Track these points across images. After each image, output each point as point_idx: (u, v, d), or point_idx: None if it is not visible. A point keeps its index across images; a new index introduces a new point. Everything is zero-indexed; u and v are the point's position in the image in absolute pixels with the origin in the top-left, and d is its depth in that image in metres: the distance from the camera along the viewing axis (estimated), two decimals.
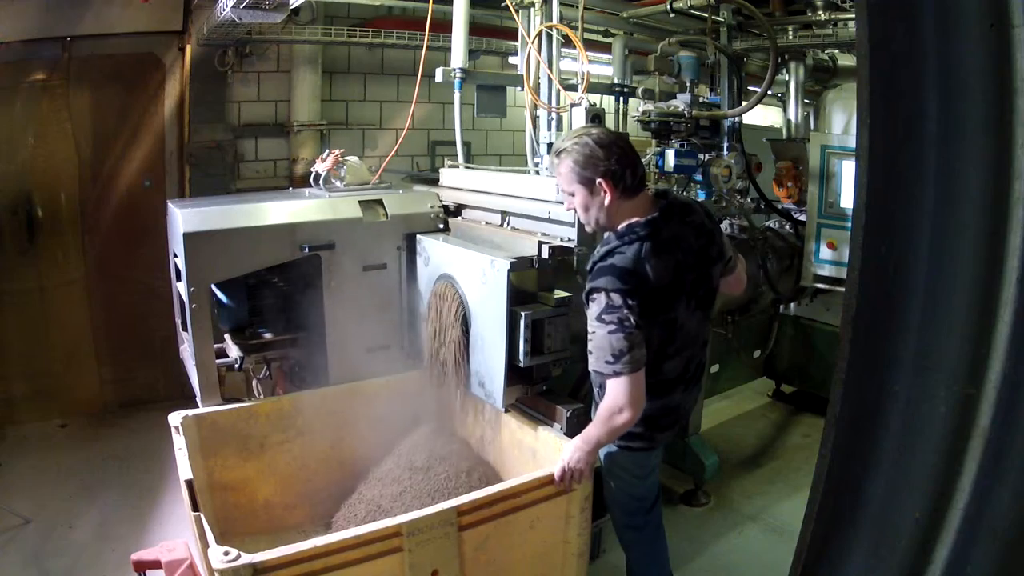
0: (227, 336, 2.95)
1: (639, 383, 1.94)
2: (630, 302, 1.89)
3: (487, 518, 1.98)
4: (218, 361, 2.71)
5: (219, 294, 2.85)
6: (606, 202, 1.99)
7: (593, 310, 1.94)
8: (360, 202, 2.93)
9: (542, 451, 2.43)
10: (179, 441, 2.32)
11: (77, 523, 3.28)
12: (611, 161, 1.95)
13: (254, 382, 2.93)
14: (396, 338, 2.99)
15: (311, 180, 3.24)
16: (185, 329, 2.82)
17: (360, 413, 2.75)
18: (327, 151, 3.21)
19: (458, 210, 3.16)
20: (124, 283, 4.53)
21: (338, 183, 3.15)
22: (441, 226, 3.06)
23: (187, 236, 2.52)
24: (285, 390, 2.97)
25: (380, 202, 2.96)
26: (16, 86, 4.16)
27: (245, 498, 2.62)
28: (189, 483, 2.07)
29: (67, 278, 4.44)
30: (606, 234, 2.08)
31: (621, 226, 2.01)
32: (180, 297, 2.79)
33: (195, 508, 1.97)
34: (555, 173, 2.10)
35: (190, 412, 2.48)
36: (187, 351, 2.91)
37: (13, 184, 4.22)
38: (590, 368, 2.01)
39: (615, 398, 1.95)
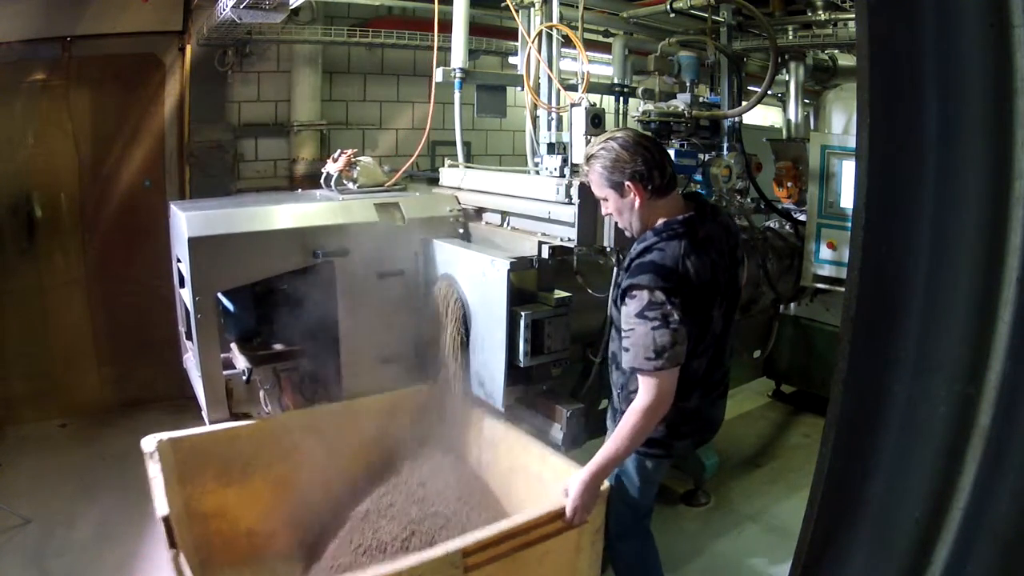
0: (233, 345, 2.79)
1: (675, 378, 1.92)
2: (673, 299, 1.88)
3: (494, 557, 1.85)
4: (224, 372, 2.57)
5: (225, 302, 2.71)
6: (636, 204, 2.00)
7: (632, 307, 1.91)
8: (376, 205, 2.76)
9: (549, 477, 2.26)
10: (154, 469, 2.11)
11: (77, 523, 3.28)
12: (636, 162, 1.96)
13: (261, 394, 2.80)
14: (413, 348, 2.84)
15: (321, 181, 3.08)
16: (189, 338, 2.69)
17: (350, 433, 2.60)
18: (339, 151, 3.05)
19: (477, 213, 3.06)
20: (124, 283, 4.53)
21: (351, 184, 2.99)
22: (461, 231, 2.91)
23: (192, 241, 2.38)
24: (295, 403, 2.81)
25: (397, 205, 2.80)
26: (16, 86, 4.16)
27: (227, 525, 2.42)
28: (166, 519, 1.86)
29: (67, 278, 4.44)
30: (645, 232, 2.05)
31: (658, 223, 2.01)
32: (184, 304, 2.66)
33: (172, 544, 1.82)
34: (587, 181, 2.12)
35: (165, 435, 2.29)
36: (191, 361, 2.78)
37: (13, 184, 4.22)
38: (625, 366, 1.96)
39: (655, 394, 1.90)
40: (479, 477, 2.56)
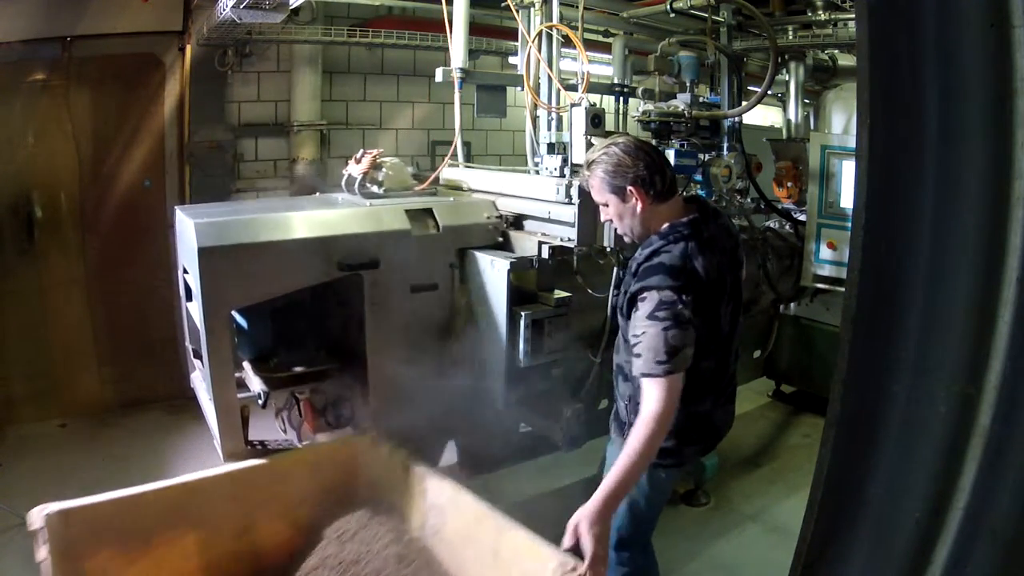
0: (247, 364, 2.49)
1: (681, 383, 1.84)
2: (684, 298, 1.85)
3: None
4: (238, 395, 2.32)
5: (239, 318, 2.47)
6: (638, 209, 1.99)
7: (643, 310, 1.87)
8: (407, 211, 2.51)
9: (507, 554, 1.92)
10: (42, 551, 1.84)
11: None
12: (639, 167, 1.96)
13: (277, 419, 2.57)
14: (447, 369, 2.60)
15: (342, 184, 2.80)
16: (198, 357, 2.49)
17: (270, 496, 2.24)
18: (362, 151, 2.78)
19: (518, 221, 2.84)
20: (124, 283, 4.53)
21: (375, 188, 2.70)
22: (500, 239, 2.69)
23: (203, 252, 2.11)
24: (316, 429, 2.52)
25: (430, 211, 2.55)
26: (16, 86, 4.17)
27: None
28: None
29: (67, 278, 4.44)
30: (650, 237, 2.03)
31: (663, 227, 2.01)
32: (191, 320, 2.45)
33: None
34: (588, 186, 2.10)
35: (54, 507, 1.96)
36: (200, 382, 2.57)
37: (13, 184, 4.22)
38: (636, 373, 1.88)
39: (665, 399, 1.79)
40: (424, 547, 2.16)
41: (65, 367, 4.44)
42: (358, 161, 2.74)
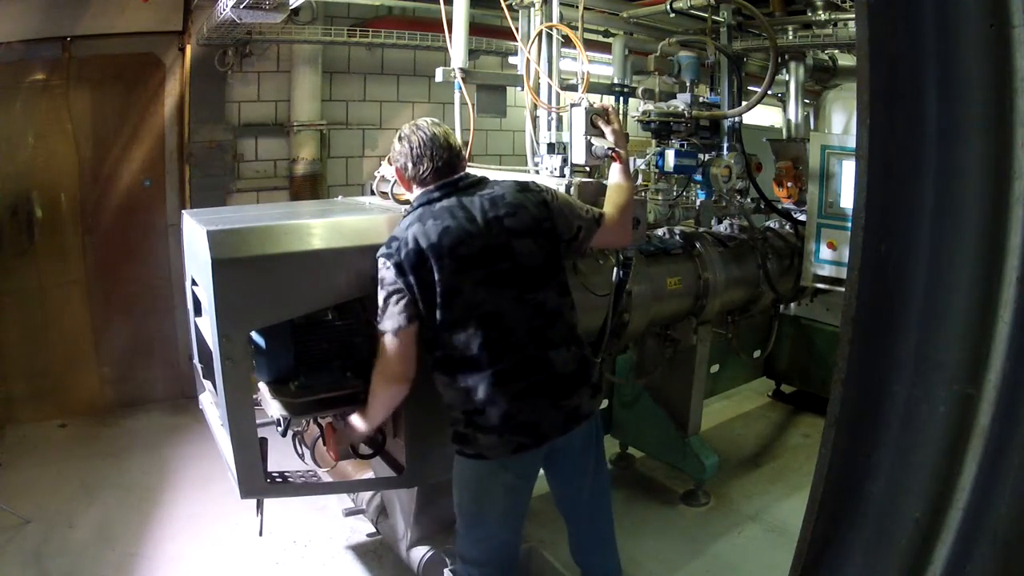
0: (263, 386, 2.18)
1: (402, 345, 1.94)
2: (388, 264, 1.93)
3: None
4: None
5: (256, 337, 2.15)
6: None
7: None
8: None
9: None
10: None
11: (77, 523, 3.28)
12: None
13: (294, 444, 2.33)
14: None
15: (373, 187, 2.64)
16: (208, 378, 2.30)
17: None
18: None
19: None
20: (124, 283, 4.54)
21: (409, 194, 2.44)
22: None
23: (218, 265, 1.87)
24: (339, 457, 2.27)
25: None
26: (16, 86, 4.17)
27: None
28: None
29: (67, 278, 4.45)
30: None
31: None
32: (200, 337, 2.27)
33: None
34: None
35: None
36: (211, 408, 2.37)
37: (13, 184, 4.23)
38: None
39: (381, 356, 1.98)
40: None
41: (65, 367, 4.45)
42: (391, 163, 2.54)
